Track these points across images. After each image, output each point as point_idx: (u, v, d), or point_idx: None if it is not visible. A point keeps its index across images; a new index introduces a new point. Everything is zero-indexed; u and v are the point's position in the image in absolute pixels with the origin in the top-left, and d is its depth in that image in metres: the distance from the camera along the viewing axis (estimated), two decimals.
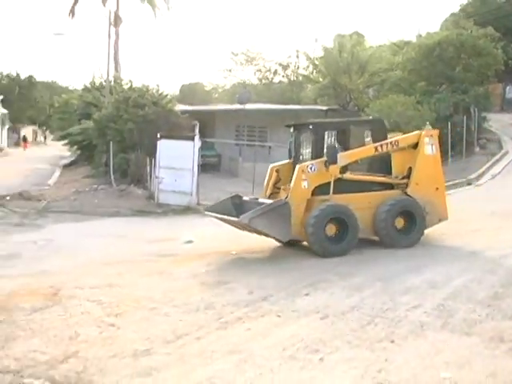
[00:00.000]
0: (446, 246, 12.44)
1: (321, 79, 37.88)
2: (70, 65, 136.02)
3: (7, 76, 67.25)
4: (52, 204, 20.69)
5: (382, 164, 12.80)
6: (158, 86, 29.63)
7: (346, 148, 12.63)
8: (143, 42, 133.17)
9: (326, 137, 12.86)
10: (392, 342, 7.15)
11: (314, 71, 41.70)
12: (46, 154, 51.60)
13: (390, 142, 12.64)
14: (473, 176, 23.14)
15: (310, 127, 13.09)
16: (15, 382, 6.37)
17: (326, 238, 11.82)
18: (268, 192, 13.18)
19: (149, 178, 22.77)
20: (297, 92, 45.29)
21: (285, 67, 50.29)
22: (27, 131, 70.76)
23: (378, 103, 28.92)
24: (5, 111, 59.27)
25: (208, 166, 29.01)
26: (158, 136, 21.67)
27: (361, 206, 12.16)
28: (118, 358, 6.93)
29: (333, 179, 11.93)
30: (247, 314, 8.37)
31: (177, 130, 23.33)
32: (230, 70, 54.34)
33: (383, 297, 9.00)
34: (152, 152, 22.03)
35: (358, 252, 12.04)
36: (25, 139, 64.40)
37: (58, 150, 48.23)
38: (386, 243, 12.27)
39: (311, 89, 42.14)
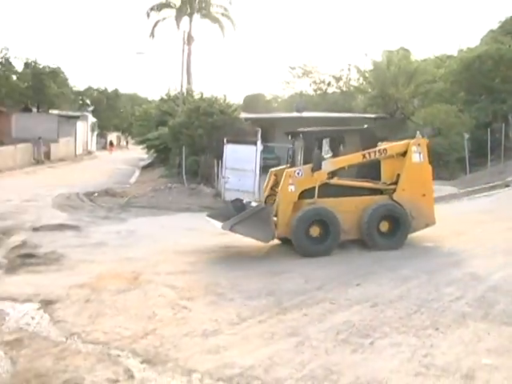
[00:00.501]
0: (485, 243, 11.98)
1: (370, 90, 37.31)
2: (149, 79, 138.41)
3: (97, 90, 68.88)
4: (133, 200, 21.03)
5: (373, 170, 12.13)
6: (224, 96, 29.79)
7: (336, 155, 12.31)
8: (212, 56, 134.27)
9: (315, 144, 12.36)
10: (436, 329, 6.98)
11: (364, 83, 41.13)
12: (128, 156, 52.70)
13: (378, 150, 12.04)
14: (510, 178, 22.32)
15: (301, 135, 12.74)
16: (104, 352, 6.54)
17: (308, 238, 11.45)
18: (265, 194, 12.82)
19: (216, 178, 22.94)
20: (348, 101, 44.71)
21: (338, 79, 49.74)
22: (112, 137, 72.41)
23: (423, 111, 28.33)
24: (94, 120, 60.78)
25: (268, 167, 28.87)
26: (225, 141, 21.76)
27: (347, 209, 11.67)
28: (190, 337, 7.00)
29: (318, 184, 11.59)
30: (304, 301, 8.32)
31: (241, 136, 23.39)
32: (288, 82, 54.22)
33: (428, 288, 8.80)
34: (219, 155, 22.15)
35: (404, 247, 11.81)
36: (111, 144, 65.97)
37: (137, 153, 49.14)
38: (370, 245, 11.67)
39: (361, 99, 41.64)
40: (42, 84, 47.19)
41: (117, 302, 8.48)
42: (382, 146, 12.40)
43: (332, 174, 11.83)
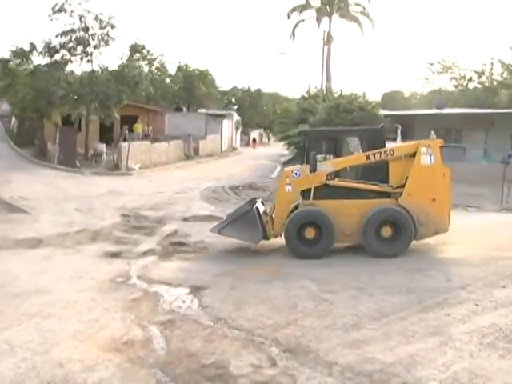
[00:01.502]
0: None
1: None
2: (290, 78, 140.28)
3: (241, 90, 70.93)
4: (275, 194, 21.18)
5: (381, 172, 11.12)
6: (364, 93, 29.29)
7: (339, 155, 11.57)
8: (351, 54, 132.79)
9: (317, 144, 11.67)
10: None
11: (509, 77, 38.34)
12: (269, 152, 53.51)
13: (385, 151, 11.04)
14: None
15: (304, 135, 12.03)
16: (248, 339, 6.65)
17: (299, 240, 10.86)
18: None
19: None
20: (490, 97, 41.92)
21: (480, 74, 46.84)
22: (255, 134, 73.97)
23: None
24: (239, 118, 62.60)
25: None
26: None
27: (348, 212, 10.84)
28: (331, 329, 6.90)
29: (314, 185, 10.94)
30: (446, 300, 7.86)
31: None
32: (426, 79, 52.10)
33: None
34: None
35: None
36: (254, 140, 67.36)
37: (278, 149, 49.81)
38: (369, 251, 10.76)
39: (505, 93, 38.89)
40: (192, 85, 49.55)
41: (259, 291, 8.59)
42: (389, 146, 11.45)
43: (335, 175, 11.15)
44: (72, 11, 32.04)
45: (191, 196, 20.39)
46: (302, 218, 10.93)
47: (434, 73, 50.68)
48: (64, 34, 32.19)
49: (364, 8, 48.23)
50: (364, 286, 8.72)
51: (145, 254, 11.12)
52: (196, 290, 8.71)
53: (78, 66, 33.81)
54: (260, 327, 6.99)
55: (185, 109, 52.24)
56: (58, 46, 32.34)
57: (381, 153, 11.03)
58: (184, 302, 8.16)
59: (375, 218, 10.70)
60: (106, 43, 33.09)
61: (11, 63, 33.93)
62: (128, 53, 37.66)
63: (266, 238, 11.25)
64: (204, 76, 52.34)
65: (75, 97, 31.49)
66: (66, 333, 6.77)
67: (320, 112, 29.22)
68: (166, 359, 6.12)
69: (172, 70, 50.37)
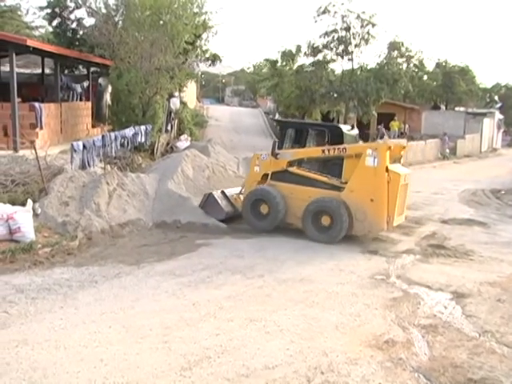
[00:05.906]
0: None
1: None
2: None
3: (505, 86, 65.58)
4: None
5: (337, 167, 11.91)
6: None
7: (303, 146, 12.92)
8: None
9: (283, 132, 13.30)
10: None
11: None
12: None
13: (338, 148, 11.89)
14: None
15: (275, 123, 11.63)
16: None
17: (252, 213, 12.25)
18: None
19: None
20: None
21: None
22: None
23: None
24: (501, 117, 58.01)
25: None
26: None
27: (300, 197, 11.89)
28: None
29: (276, 169, 12.30)
30: None
31: None
32: None
33: None
34: None
35: None
36: None
37: None
38: (306, 235, 11.68)
39: None
40: (451, 82, 47.39)
41: None
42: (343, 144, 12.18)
43: (298, 164, 12.25)
44: (335, 12, 33.22)
45: (449, 197, 19.47)
46: (253, 195, 12.31)
47: None
48: (327, 34, 33.54)
49: None
50: None
51: (403, 253, 10.90)
52: (458, 296, 8.26)
53: (338, 65, 34.90)
54: None
55: (442, 107, 50.19)
56: (320, 46, 33.83)
57: (335, 149, 11.90)
58: (446, 307, 7.78)
59: (312, 206, 11.66)
60: (367, 42, 33.56)
61: (279, 64, 36.56)
62: (386, 50, 37.51)
63: (235, 212, 12.95)
64: (464, 72, 49.57)
65: (335, 95, 32.56)
66: (329, 323, 6.96)
67: None
68: (429, 365, 5.89)
69: (430, 67, 48.80)
